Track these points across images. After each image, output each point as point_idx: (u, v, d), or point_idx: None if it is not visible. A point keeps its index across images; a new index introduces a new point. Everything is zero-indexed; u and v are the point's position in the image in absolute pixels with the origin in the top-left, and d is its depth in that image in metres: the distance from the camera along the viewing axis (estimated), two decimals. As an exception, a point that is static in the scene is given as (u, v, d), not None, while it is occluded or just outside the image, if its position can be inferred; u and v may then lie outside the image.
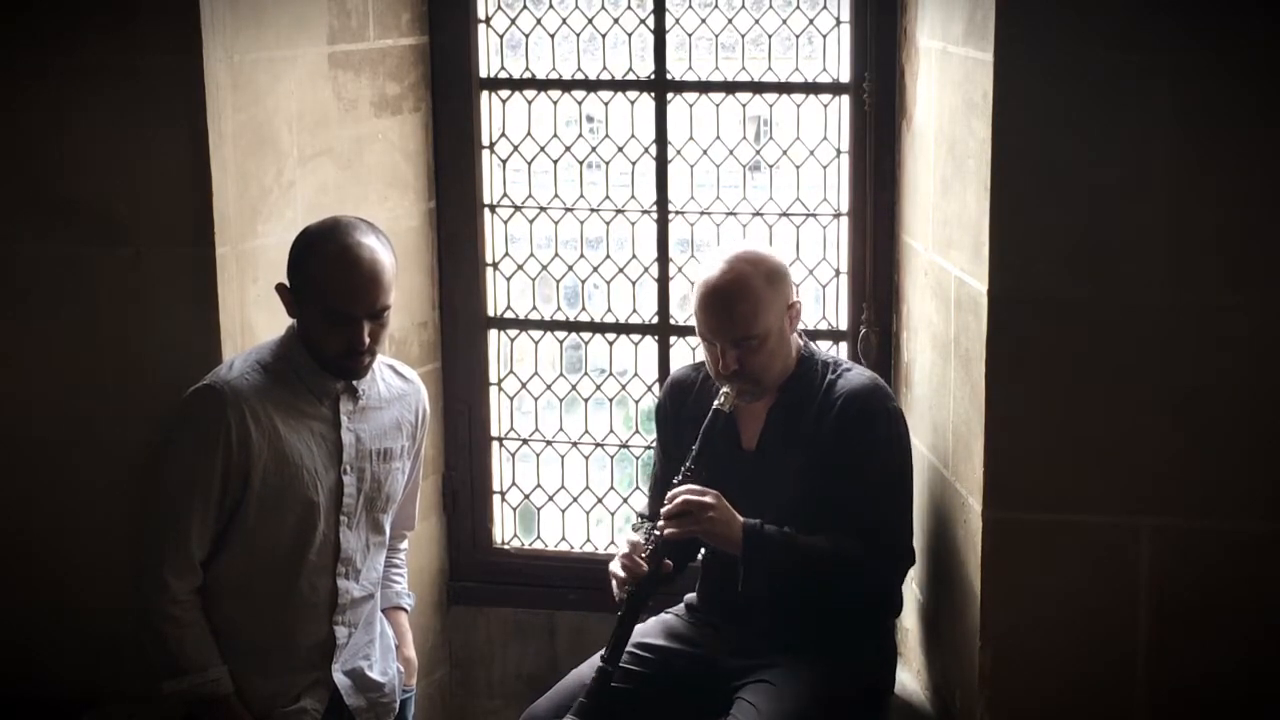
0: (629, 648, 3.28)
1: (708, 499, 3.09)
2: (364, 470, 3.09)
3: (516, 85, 3.95)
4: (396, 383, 3.20)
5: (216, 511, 2.96)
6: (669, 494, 3.14)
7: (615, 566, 3.18)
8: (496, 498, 4.12)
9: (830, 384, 3.19)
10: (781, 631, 3.18)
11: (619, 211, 3.96)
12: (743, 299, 3.12)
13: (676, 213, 3.90)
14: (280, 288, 3.05)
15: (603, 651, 3.14)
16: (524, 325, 4.05)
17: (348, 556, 3.09)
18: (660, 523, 3.13)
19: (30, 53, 3.27)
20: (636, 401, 4.04)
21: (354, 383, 3.07)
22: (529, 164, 3.98)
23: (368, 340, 2.96)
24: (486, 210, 3.99)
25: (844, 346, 3.85)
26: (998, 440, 2.99)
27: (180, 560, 2.95)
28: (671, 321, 3.94)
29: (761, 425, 3.23)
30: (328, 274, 2.95)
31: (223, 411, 2.93)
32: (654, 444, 3.52)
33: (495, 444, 4.10)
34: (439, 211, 3.97)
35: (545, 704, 3.24)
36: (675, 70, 3.85)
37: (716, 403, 3.15)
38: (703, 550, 3.36)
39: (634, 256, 3.97)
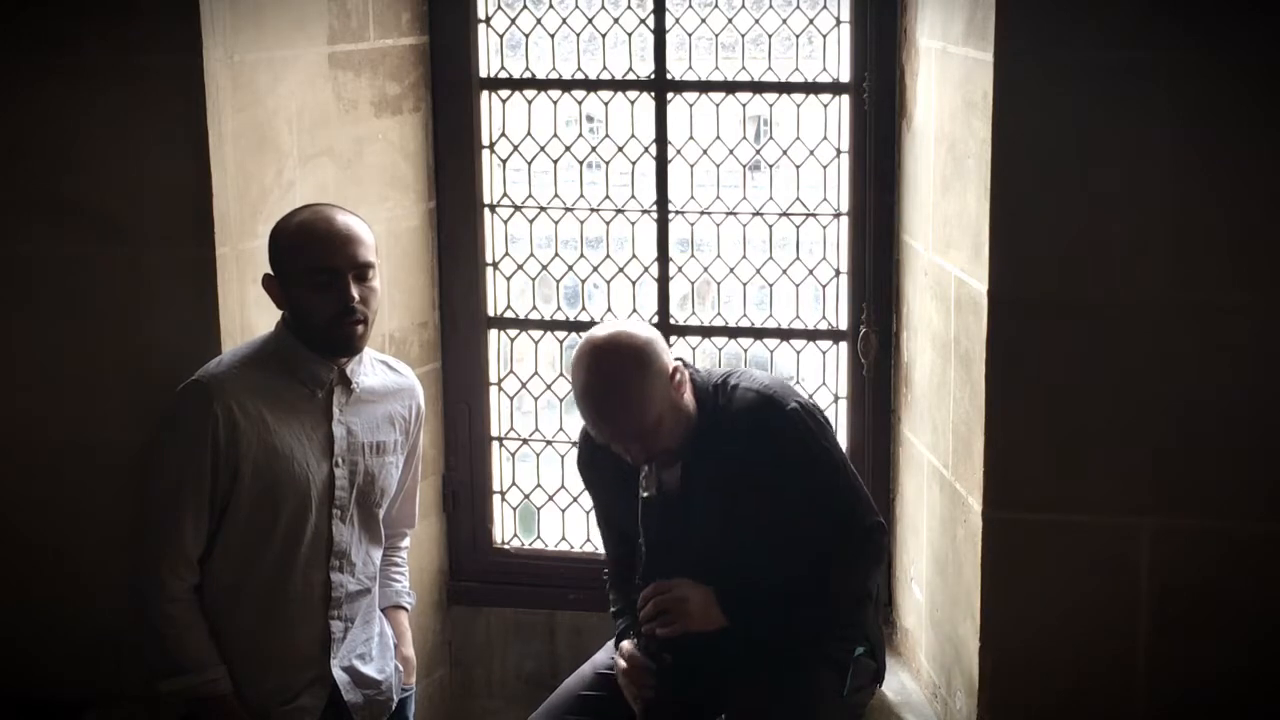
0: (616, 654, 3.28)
1: (678, 594, 3.08)
2: (356, 463, 3.09)
3: (516, 85, 3.95)
4: (390, 377, 3.20)
5: (209, 507, 2.96)
6: (640, 597, 3.12)
7: (626, 685, 3.17)
8: (496, 498, 4.12)
9: (724, 409, 3.10)
10: (754, 642, 3.15)
11: (619, 211, 3.96)
12: (625, 403, 3.00)
13: (676, 213, 3.90)
14: (266, 278, 3.05)
15: None
16: (524, 325, 4.05)
17: (341, 550, 3.09)
18: (644, 628, 3.11)
19: (30, 53, 3.27)
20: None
21: (347, 373, 3.07)
22: (529, 164, 3.98)
23: (356, 298, 2.95)
24: (486, 210, 3.99)
25: (844, 346, 3.85)
26: (998, 440, 2.99)
27: (177, 558, 2.95)
28: (671, 321, 3.94)
29: (679, 469, 3.14)
30: (303, 236, 2.98)
31: (209, 406, 2.93)
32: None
33: (495, 444, 4.10)
34: (439, 211, 3.97)
35: (542, 715, 3.23)
36: (675, 70, 3.85)
37: (642, 491, 3.09)
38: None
39: (634, 256, 3.96)
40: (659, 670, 3.12)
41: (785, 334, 3.91)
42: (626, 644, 3.21)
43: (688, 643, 3.12)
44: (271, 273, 3.04)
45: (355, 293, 2.96)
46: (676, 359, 3.11)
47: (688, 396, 3.10)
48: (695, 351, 3.94)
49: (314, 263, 2.96)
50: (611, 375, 3.01)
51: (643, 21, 3.84)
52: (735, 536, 3.12)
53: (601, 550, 4.04)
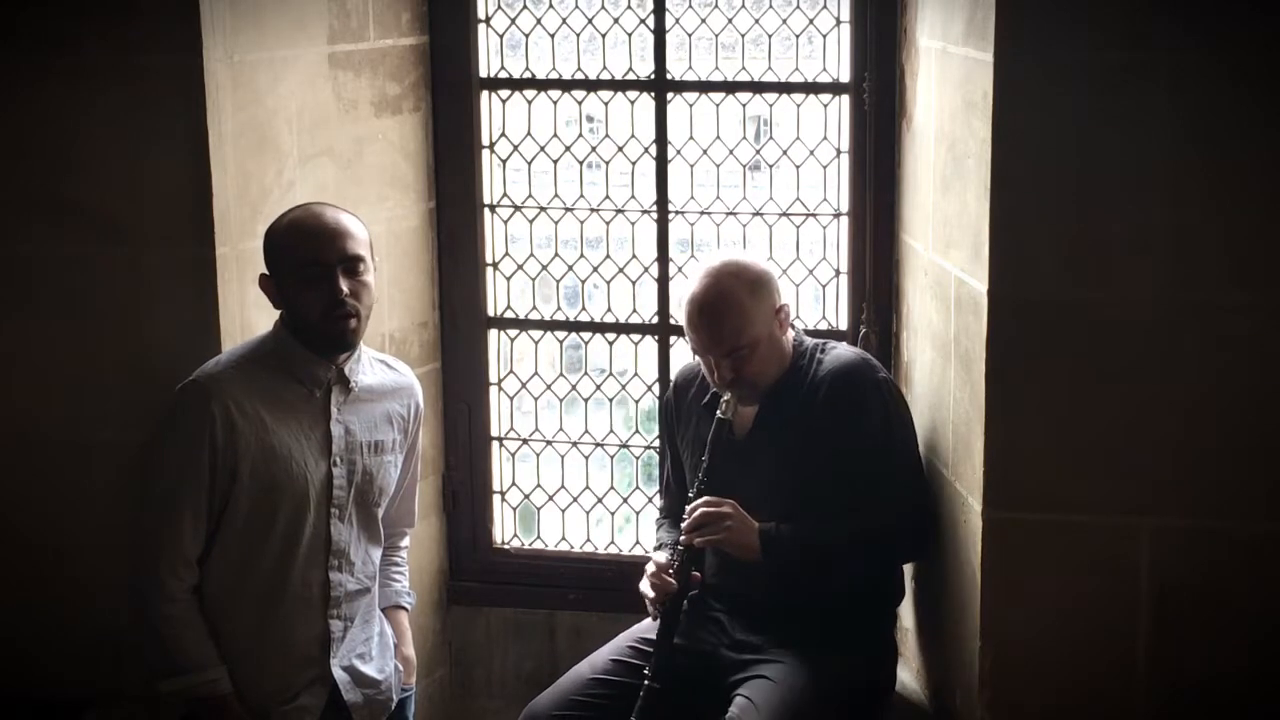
0: (631, 643, 3.32)
1: (724, 509, 3.14)
2: (354, 462, 3.09)
3: (516, 85, 3.95)
4: (389, 376, 3.21)
5: (208, 508, 2.96)
6: (688, 508, 3.19)
7: (645, 587, 3.25)
8: (496, 498, 4.12)
9: (817, 365, 3.25)
10: (785, 625, 3.20)
11: (619, 211, 3.96)
12: (728, 313, 3.16)
13: (676, 213, 3.90)
14: (262, 278, 3.06)
15: (647, 670, 3.17)
16: (524, 325, 4.05)
17: (339, 549, 3.09)
18: (682, 537, 3.18)
19: (30, 53, 3.27)
20: (636, 401, 4.04)
21: (346, 371, 3.07)
22: (529, 164, 3.98)
23: (345, 291, 2.96)
24: (486, 210, 3.99)
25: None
26: (998, 440, 2.99)
27: (175, 558, 2.96)
28: (671, 321, 3.93)
29: (754, 413, 3.27)
30: (293, 232, 3.00)
31: (206, 406, 2.93)
32: (658, 443, 3.56)
33: (495, 444, 4.10)
34: (439, 211, 3.97)
35: (546, 701, 3.26)
36: (675, 70, 3.85)
37: (719, 413, 3.21)
38: None
39: (634, 256, 3.97)
40: (683, 586, 3.18)
41: (785, 334, 3.91)
42: (659, 554, 3.31)
43: (719, 586, 3.22)
44: (267, 272, 3.05)
45: (344, 286, 2.96)
46: (785, 303, 3.26)
47: (787, 338, 3.26)
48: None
49: (304, 257, 2.97)
50: (723, 287, 3.18)
51: (643, 21, 3.84)
52: (791, 488, 3.20)
53: (602, 550, 4.09)
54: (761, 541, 3.14)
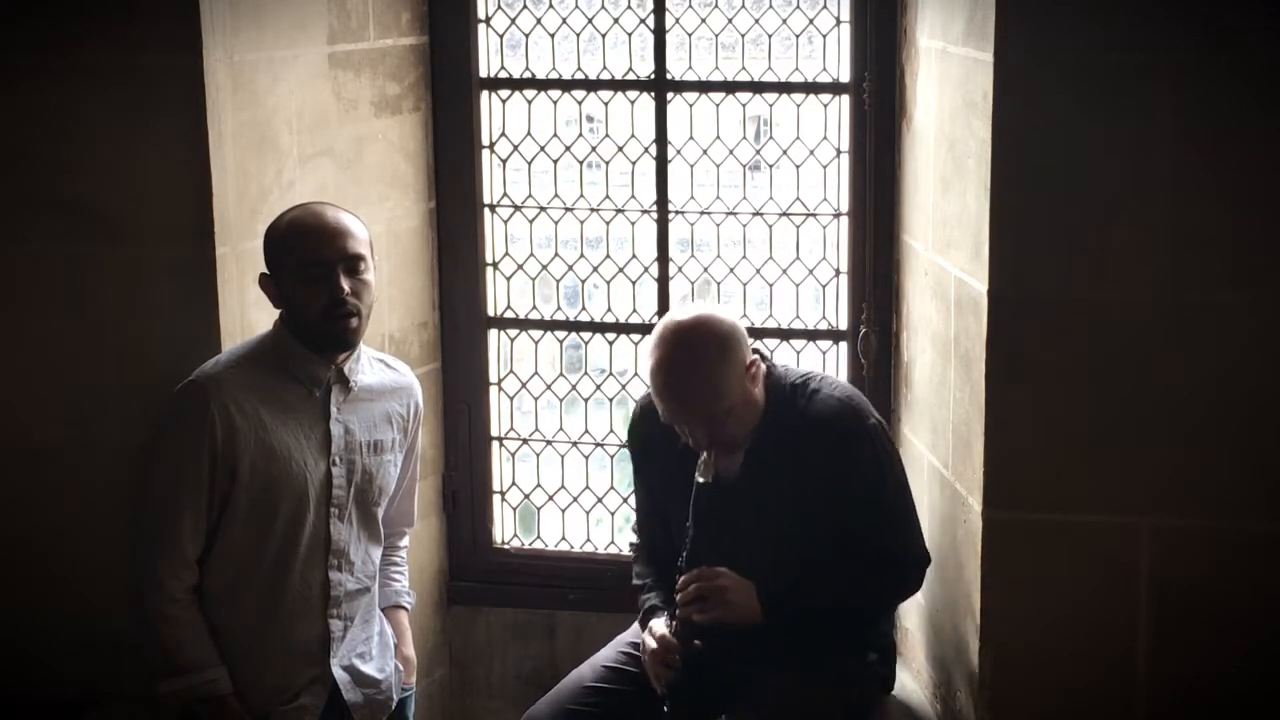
0: (624, 648, 3.30)
1: (721, 582, 3.09)
2: (354, 462, 3.09)
3: (516, 85, 3.95)
4: (388, 375, 3.21)
5: (207, 508, 2.96)
6: (681, 580, 3.12)
7: (651, 664, 3.18)
8: (496, 498, 4.12)
9: (802, 410, 3.13)
10: (779, 638, 3.18)
11: (619, 211, 3.96)
12: (699, 386, 3.03)
13: (676, 213, 3.90)
14: (262, 277, 3.06)
15: None
16: (524, 325, 4.05)
17: (339, 549, 3.09)
18: (679, 611, 3.13)
19: (30, 53, 3.27)
20: (636, 401, 4.04)
21: (345, 371, 3.07)
22: (529, 164, 3.98)
23: (346, 290, 2.96)
24: (486, 210, 3.99)
25: (844, 346, 3.85)
26: (998, 440, 2.99)
27: (174, 558, 2.95)
28: (671, 321, 3.93)
29: (741, 460, 3.17)
30: (295, 230, 3.00)
31: (206, 406, 2.93)
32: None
33: (495, 444, 4.10)
34: (439, 211, 3.97)
35: (545, 706, 3.25)
36: (675, 70, 3.85)
37: (699, 475, 3.10)
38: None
39: (634, 256, 3.97)
40: (687, 655, 3.13)
41: (785, 334, 3.91)
42: (657, 624, 3.21)
43: (717, 637, 3.13)
44: (267, 271, 3.05)
45: (345, 285, 2.96)
46: (755, 351, 3.14)
47: (759, 389, 3.13)
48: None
49: (304, 256, 2.97)
50: (692, 357, 3.02)
51: (643, 21, 3.84)
52: (784, 535, 3.14)
53: (602, 550, 4.08)
54: (762, 606, 3.09)
